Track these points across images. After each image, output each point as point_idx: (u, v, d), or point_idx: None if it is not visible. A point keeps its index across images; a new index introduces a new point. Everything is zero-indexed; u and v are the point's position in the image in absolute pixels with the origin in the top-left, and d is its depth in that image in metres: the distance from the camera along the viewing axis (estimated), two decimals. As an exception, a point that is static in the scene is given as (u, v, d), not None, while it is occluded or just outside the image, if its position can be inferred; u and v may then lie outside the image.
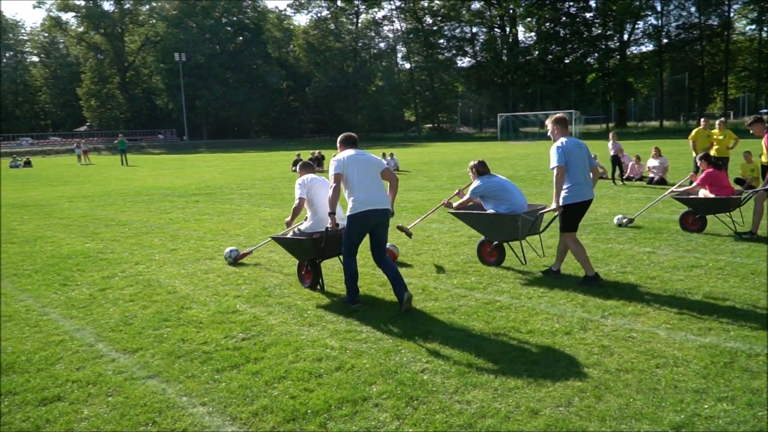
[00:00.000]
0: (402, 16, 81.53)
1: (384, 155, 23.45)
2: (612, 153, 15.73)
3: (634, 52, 70.07)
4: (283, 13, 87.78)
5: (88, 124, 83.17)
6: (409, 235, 7.75)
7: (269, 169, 26.51)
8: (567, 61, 71.43)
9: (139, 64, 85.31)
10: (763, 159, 8.35)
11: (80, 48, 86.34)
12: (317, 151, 27.26)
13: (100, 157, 51.27)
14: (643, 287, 5.97)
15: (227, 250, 7.92)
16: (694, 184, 8.94)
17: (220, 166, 30.60)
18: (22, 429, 3.55)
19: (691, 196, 8.76)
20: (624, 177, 15.98)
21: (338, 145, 6.02)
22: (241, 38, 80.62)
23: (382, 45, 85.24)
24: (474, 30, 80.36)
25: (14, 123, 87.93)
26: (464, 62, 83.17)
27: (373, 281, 6.53)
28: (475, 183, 7.19)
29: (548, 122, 6.41)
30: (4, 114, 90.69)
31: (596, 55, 70.11)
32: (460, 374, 4.05)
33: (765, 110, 50.96)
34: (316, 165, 25.00)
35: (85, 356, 4.63)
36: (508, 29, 76.97)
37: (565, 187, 6.09)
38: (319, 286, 6.41)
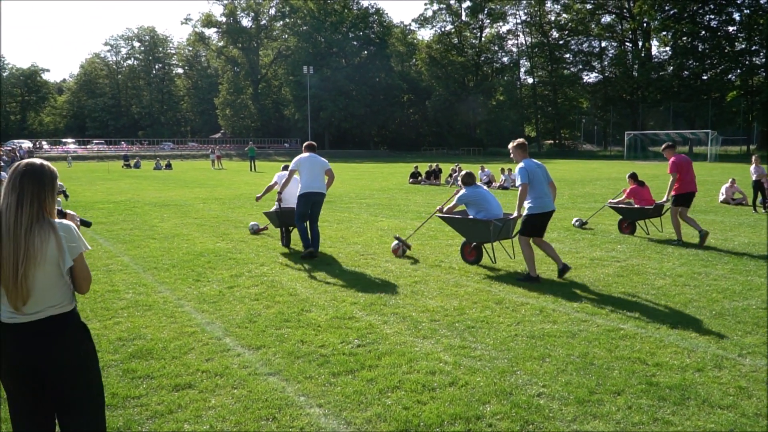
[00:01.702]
0: (527, 30, 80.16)
1: (503, 170, 23.15)
2: (754, 178, 14.46)
3: (783, 68, 64.04)
4: (408, 27, 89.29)
5: (222, 131, 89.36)
6: (408, 246, 9.02)
7: (387, 180, 27.00)
8: (705, 77, 66.56)
9: (271, 77, 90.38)
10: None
11: (219, 61, 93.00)
12: (435, 164, 27.38)
13: (232, 162, 54.74)
14: (789, 327, 5.42)
15: (251, 223, 11.54)
16: (623, 197, 11.26)
17: (340, 176, 31.57)
18: (156, 411, 3.85)
19: (621, 206, 11.03)
20: (767, 204, 14.62)
21: (305, 149, 9.06)
22: (365, 52, 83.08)
23: (505, 59, 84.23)
24: (603, 44, 77.30)
25: (158, 129, 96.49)
26: (591, 77, 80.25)
27: (489, 298, 6.44)
28: (462, 191, 8.39)
29: (511, 146, 7.61)
30: (150, 120, 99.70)
31: (738, 71, 64.72)
32: (579, 402, 3.88)
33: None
34: (433, 177, 25.25)
35: (214, 349, 4.94)
36: (640, 43, 73.23)
37: (530, 200, 7.27)
38: (288, 249, 9.56)
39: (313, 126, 77.39)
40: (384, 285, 7.11)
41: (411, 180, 25.79)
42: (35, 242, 2.45)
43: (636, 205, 10.80)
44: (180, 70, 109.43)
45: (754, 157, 14.98)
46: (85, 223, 3.12)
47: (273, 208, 9.78)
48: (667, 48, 70.82)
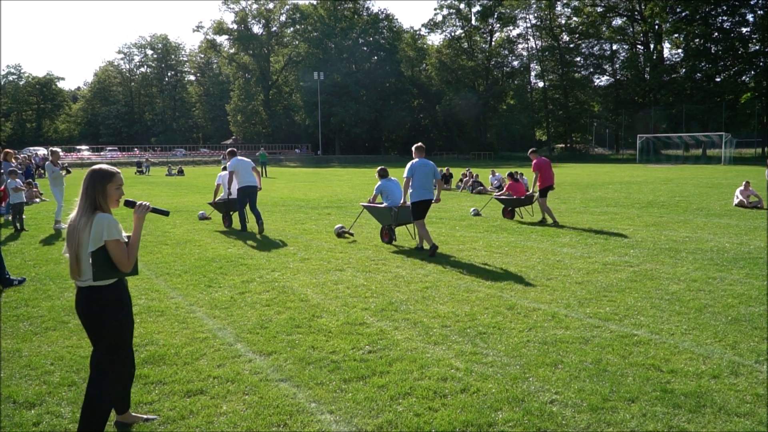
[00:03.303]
0: (538, 33, 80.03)
1: (516, 173, 23.02)
2: (770, 180, 14.32)
3: (798, 69, 63.36)
4: (418, 32, 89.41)
5: (233, 137, 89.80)
6: (350, 233, 11.34)
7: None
8: (718, 79, 66.07)
9: (282, 83, 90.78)
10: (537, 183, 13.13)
11: (230, 68, 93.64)
12: (445, 169, 27.32)
13: (243, 168, 54.86)
14: (807, 332, 5.33)
15: (200, 213, 14.53)
16: (504, 190, 14.62)
17: (350, 181, 31.63)
18: (168, 417, 3.86)
19: (503, 197, 14.21)
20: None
21: (227, 155, 12.71)
22: (375, 58, 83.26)
23: (515, 63, 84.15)
24: (614, 47, 77.01)
25: (171, 135, 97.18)
26: (602, 80, 79.89)
27: (500, 304, 6.41)
28: (378, 183, 10.73)
29: (413, 148, 9.63)
30: (163, 127, 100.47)
31: (752, 73, 64.19)
32: (593, 410, 3.85)
33: None
34: (443, 182, 25.15)
35: (225, 354, 4.95)
36: (652, 46, 72.84)
37: (411, 191, 9.28)
38: (228, 228, 12.71)
39: (324, 131, 77.62)
40: (395, 290, 7.09)
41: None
42: (80, 231, 3.31)
43: (514, 197, 14.02)
44: (192, 77, 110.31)
45: (769, 160, 14.83)
46: (161, 212, 3.74)
47: (218, 199, 13.21)
48: (680, 50, 70.47)
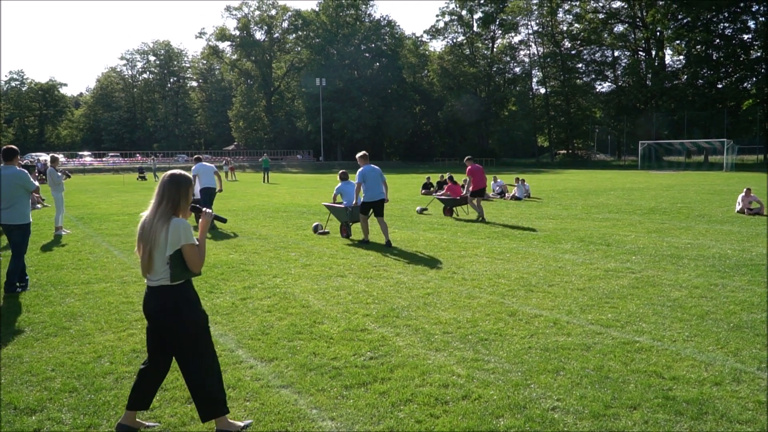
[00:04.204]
0: (539, 40, 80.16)
1: (517, 180, 23.05)
2: (772, 187, 14.29)
3: (800, 76, 63.29)
4: (420, 39, 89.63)
5: (235, 143, 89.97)
6: (326, 232, 12.60)
7: (399, 191, 26.98)
8: (720, 86, 66.05)
9: (284, 89, 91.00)
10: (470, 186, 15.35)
11: (233, 74, 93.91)
12: (447, 175, 27.33)
13: (245, 174, 55.05)
14: (809, 339, 5.32)
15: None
16: (444, 190, 17.26)
17: (352, 187, 31.58)
18: (170, 423, 3.86)
19: (442, 197, 16.72)
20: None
21: (194, 161, 14.84)
22: (377, 64, 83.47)
23: (517, 70, 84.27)
24: (616, 54, 77.08)
25: (173, 141, 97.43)
26: (603, 87, 79.91)
27: (502, 310, 6.40)
28: (338, 185, 12.36)
29: (357, 156, 11.32)
30: (165, 133, 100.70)
31: (754, 79, 64.19)
32: (594, 416, 3.84)
33: None
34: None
35: (226, 361, 4.94)
36: (653, 52, 72.92)
37: (364, 192, 10.98)
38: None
39: (326, 137, 77.73)
40: (396, 297, 7.09)
41: (423, 191, 25.77)
42: (155, 233, 3.46)
43: (451, 197, 16.38)
44: (194, 83, 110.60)
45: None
46: (220, 219, 4.05)
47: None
48: (681, 57, 70.45)
